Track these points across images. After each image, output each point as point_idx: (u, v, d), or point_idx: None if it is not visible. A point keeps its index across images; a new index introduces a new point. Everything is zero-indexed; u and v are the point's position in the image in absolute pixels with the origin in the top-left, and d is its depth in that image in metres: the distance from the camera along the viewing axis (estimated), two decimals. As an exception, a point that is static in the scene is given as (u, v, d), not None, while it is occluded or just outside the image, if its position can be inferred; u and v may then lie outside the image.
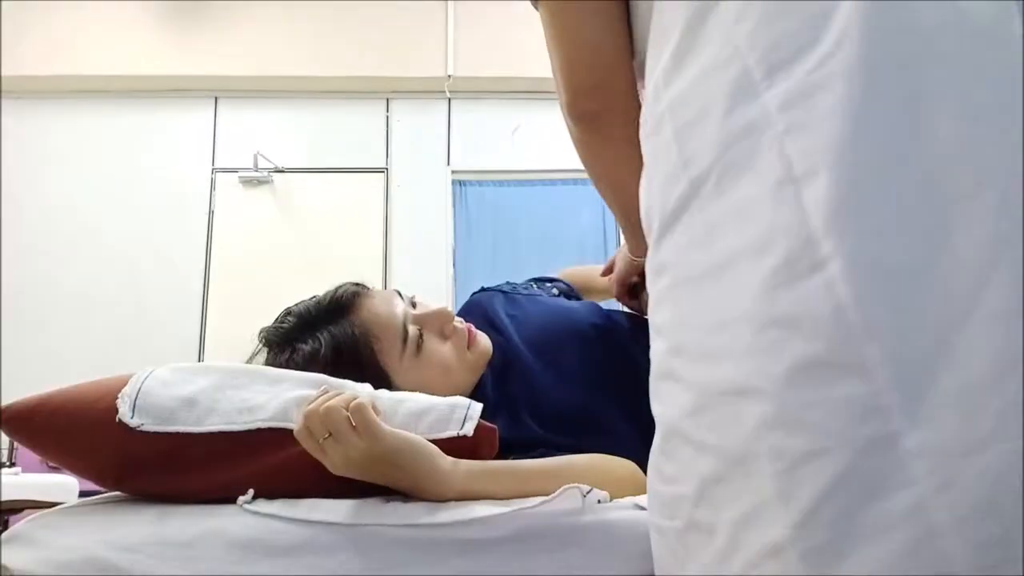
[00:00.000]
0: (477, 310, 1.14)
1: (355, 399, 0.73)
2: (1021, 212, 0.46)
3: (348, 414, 0.72)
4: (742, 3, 0.58)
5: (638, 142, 0.70)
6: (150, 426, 0.75)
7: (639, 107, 0.73)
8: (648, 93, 0.66)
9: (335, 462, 0.72)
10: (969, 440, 0.44)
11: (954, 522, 0.44)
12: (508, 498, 0.76)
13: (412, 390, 0.88)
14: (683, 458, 0.57)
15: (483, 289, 1.21)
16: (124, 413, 0.75)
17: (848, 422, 0.47)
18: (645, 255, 0.67)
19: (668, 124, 0.62)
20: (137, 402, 0.77)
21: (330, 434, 0.71)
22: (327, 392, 0.76)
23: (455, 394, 0.87)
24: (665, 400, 0.61)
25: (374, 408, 0.74)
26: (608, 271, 1.24)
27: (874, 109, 0.51)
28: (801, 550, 0.47)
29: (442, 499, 0.74)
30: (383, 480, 0.74)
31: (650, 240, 0.65)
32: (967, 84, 0.50)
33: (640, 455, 0.76)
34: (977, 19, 0.51)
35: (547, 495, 0.74)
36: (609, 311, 1.13)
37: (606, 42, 0.78)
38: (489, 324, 1.09)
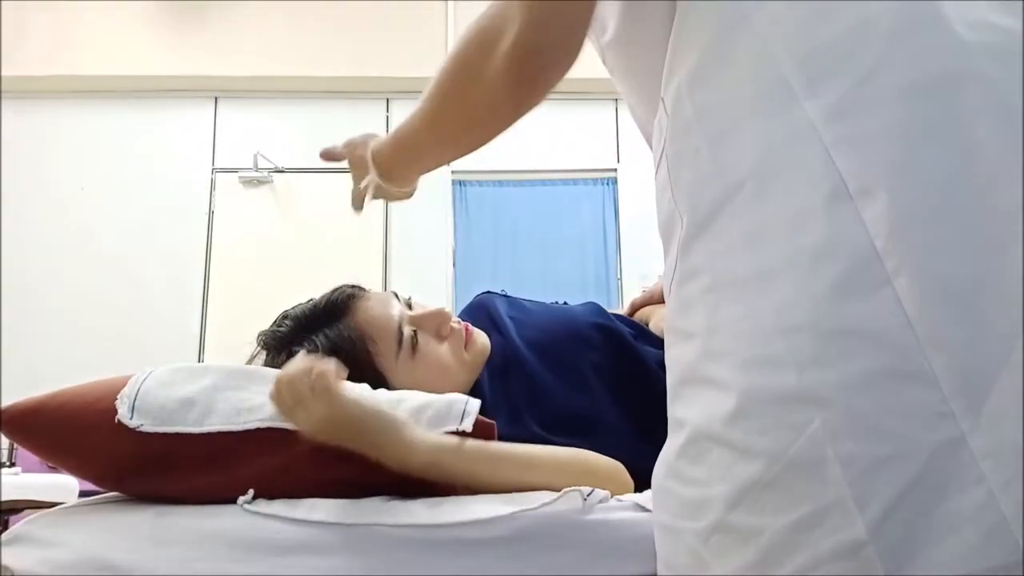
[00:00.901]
0: (480, 310, 1.14)
1: (314, 366, 0.76)
2: None
3: (312, 381, 0.75)
4: (776, 9, 0.59)
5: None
6: (149, 427, 0.75)
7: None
8: (669, 97, 0.67)
9: (302, 425, 0.75)
10: None
11: (1021, 513, 0.47)
12: (480, 480, 0.77)
13: (409, 390, 0.89)
14: (717, 462, 0.58)
15: (487, 292, 1.22)
16: (123, 414, 0.75)
17: (919, 428, 0.50)
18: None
19: (697, 129, 0.63)
20: (136, 403, 0.77)
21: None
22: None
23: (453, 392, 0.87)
24: (693, 404, 0.61)
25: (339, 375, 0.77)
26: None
27: (924, 130, 0.54)
28: (880, 548, 0.50)
29: (406, 467, 0.76)
30: (353, 444, 0.76)
31: (670, 244, 0.66)
32: (1007, 100, 0.53)
33: (639, 456, 0.76)
34: (1013, 36, 0.54)
35: (521, 483, 0.75)
36: (610, 313, 1.12)
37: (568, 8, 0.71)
38: (491, 324, 1.09)
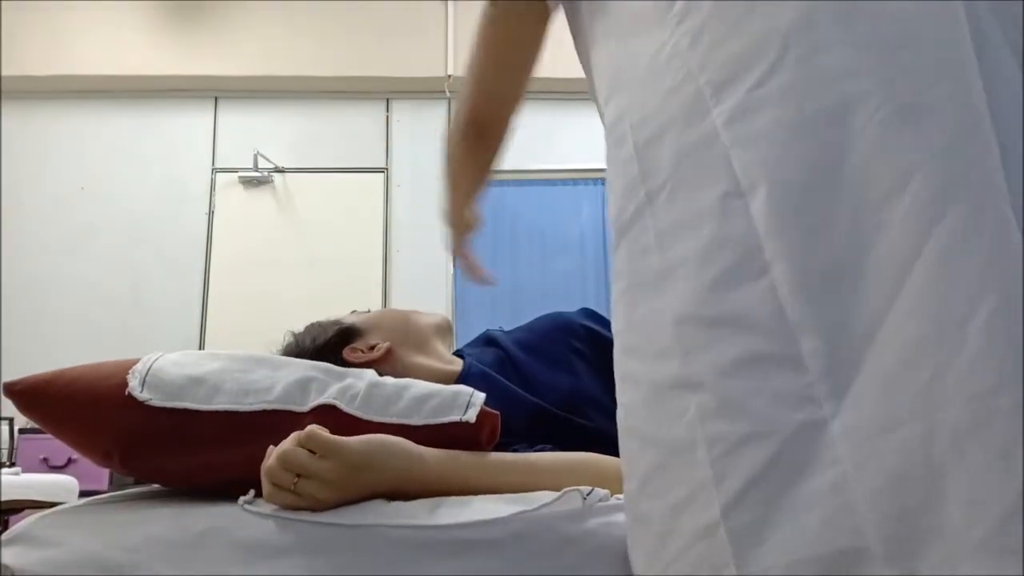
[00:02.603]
0: (481, 336, 1.16)
1: (302, 432, 0.71)
2: (935, 212, 0.50)
3: (303, 448, 0.70)
4: (696, 30, 0.63)
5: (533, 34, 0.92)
6: (158, 401, 0.77)
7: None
8: (609, 113, 0.71)
9: (317, 495, 0.70)
10: (886, 420, 0.49)
11: (869, 496, 0.48)
12: (486, 489, 0.76)
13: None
14: (630, 453, 0.62)
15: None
16: (134, 387, 0.77)
17: (782, 409, 0.52)
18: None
19: (630, 140, 0.66)
20: (147, 378, 0.78)
21: (298, 477, 0.69)
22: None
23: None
24: (621, 400, 0.64)
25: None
26: None
27: (805, 124, 0.56)
28: (729, 529, 0.51)
29: (424, 482, 0.75)
30: (369, 490, 0.73)
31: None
32: (889, 92, 0.54)
33: None
34: (907, 29, 0.56)
35: (529, 487, 0.75)
36: (608, 322, 1.14)
37: (507, 94, 0.98)
38: (487, 343, 1.13)
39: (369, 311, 1.17)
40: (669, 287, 0.60)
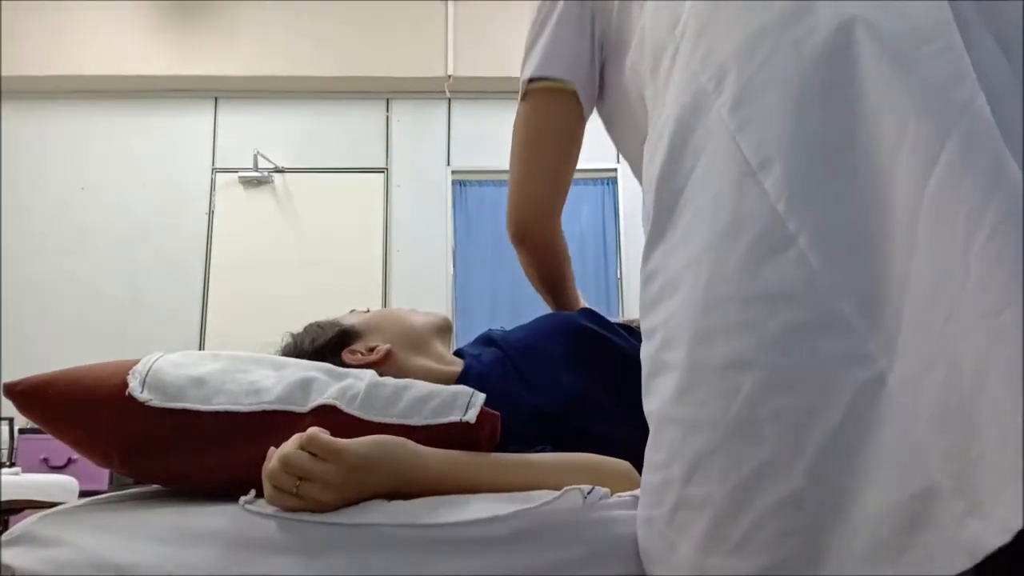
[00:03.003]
0: (481, 336, 1.17)
1: (303, 435, 0.71)
2: (932, 152, 0.53)
3: (304, 451, 0.70)
4: (695, 39, 0.69)
5: (555, 251, 1.15)
6: (158, 402, 0.76)
7: (557, 232, 1.12)
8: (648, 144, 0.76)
9: (319, 498, 0.70)
10: (924, 364, 0.51)
11: (927, 437, 0.50)
12: (488, 486, 0.76)
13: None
14: (671, 441, 0.62)
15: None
16: (134, 388, 0.77)
17: (841, 373, 0.54)
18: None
19: (661, 149, 0.70)
20: (148, 379, 0.78)
21: (300, 479, 0.69)
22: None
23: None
24: (655, 393, 0.65)
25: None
26: None
27: (814, 98, 0.59)
28: (811, 499, 0.53)
29: (425, 482, 0.75)
30: (370, 492, 0.73)
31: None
32: (899, 60, 0.57)
33: (627, 428, 0.77)
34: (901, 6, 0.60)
35: (529, 487, 0.75)
36: (609, 323, 1.14)
37: (545, 195, 1.07)
38: (486, 343, 1.12)
39: (368, 311, 1.16)
40: (698, 274, 0.61)
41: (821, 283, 0.55)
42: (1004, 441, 0.46)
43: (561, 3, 0.98)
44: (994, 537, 0.46)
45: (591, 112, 1.04)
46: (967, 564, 0.47)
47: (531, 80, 1.01)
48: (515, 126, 1.05)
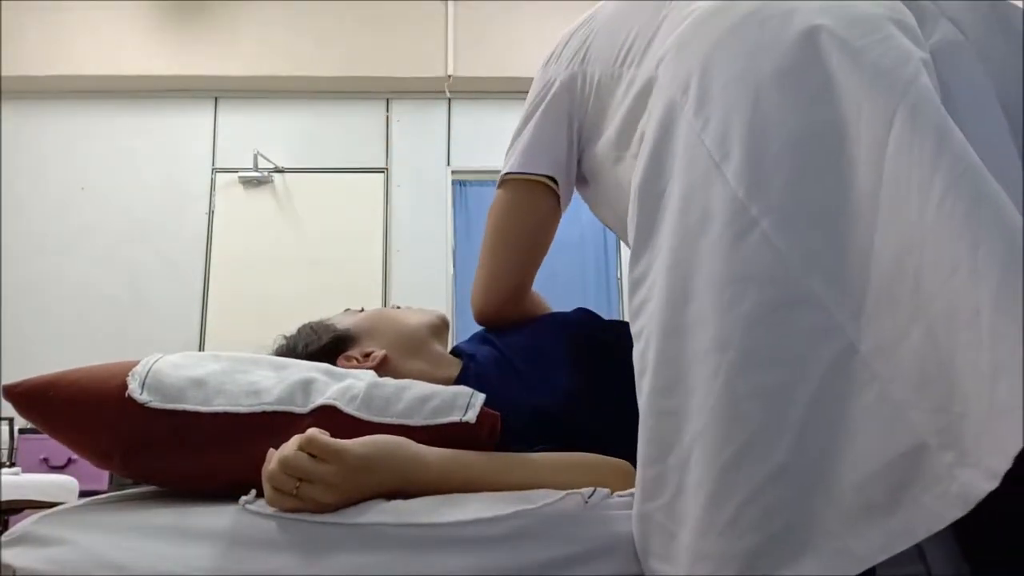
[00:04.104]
0: (477, 334, 1.16)
1: (303, 436, 0.71)
2: (885, 123, 0.56)
3: (304, 452, 0.70)
4: (660, 58, 0.76)
5: (524, 318, 1.11)
6: (158, 403, 0.76)
7: (525, 311, 1.12)
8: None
9: (320, 499, 0.70)
10: (897, 331, 0.53)
11: (910, 399, 0.52)
12: (486, 488, 0.76)
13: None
14: (665, 432, 0.63)
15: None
16: (134, 390, 0.77)
17: (813, 345, 0.56)
18: None
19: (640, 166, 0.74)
20: (147, 380, 0.78)
21: (300, 481, 0.69)
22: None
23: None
24: (644, 389, 0.67)
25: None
26: None
27: (766, 93, 0.63)
28: (797, 470, 0.54)
29: (425, 482, 0.75)
30: (371, 492, 0.73)
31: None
32: (856, 44, 0.62)
33: (621, 427, 0.77)
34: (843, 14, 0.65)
35: (529, 486, 0.75)
36: (605, 322, 1.14)
37: (514, 286, 1.10)
38: (482, 342, 1.12)
39: (362, 310, 1.14)
40: (676, 271, 0.64)
41: (788, 262, 0.58)
42: (983, 391, 0.48)
43: (544, 103, 1.00)
44: (984, 483, 0.48)
45: (568, 204, 1.07)
46: (959, 513, 0.49)
47: (509, 173, 1.04)
48: (490, 212, 1.07)
